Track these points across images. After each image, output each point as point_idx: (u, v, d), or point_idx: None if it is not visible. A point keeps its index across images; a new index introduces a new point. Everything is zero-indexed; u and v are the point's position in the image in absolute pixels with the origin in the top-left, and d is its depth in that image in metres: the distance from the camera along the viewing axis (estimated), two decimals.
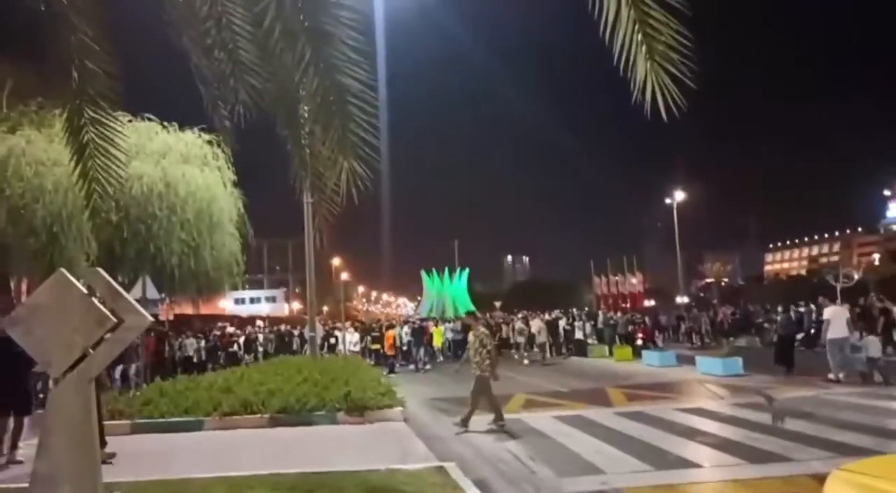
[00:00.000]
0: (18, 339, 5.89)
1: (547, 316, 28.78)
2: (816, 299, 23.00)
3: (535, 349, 26.13)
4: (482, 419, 10.54)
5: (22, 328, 5.58)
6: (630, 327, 24.86)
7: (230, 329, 26.37)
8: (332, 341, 25.70)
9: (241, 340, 25.15)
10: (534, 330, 23.58)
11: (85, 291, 5.68)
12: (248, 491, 5.93)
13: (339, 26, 3.95)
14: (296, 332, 27.83)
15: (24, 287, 20.30)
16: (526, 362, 21.85)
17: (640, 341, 23.06)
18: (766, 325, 25.06)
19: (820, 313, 18.85)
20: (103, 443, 8.11)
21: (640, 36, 3.11)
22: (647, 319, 27.30)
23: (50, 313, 5.50)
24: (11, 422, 8.15)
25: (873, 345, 13.08)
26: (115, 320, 5.58)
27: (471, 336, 10.42)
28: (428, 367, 21.72)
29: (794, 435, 8.17)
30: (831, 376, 13.27)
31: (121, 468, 6.84)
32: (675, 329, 28.66)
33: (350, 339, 25.23)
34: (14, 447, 7.99)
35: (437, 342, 24.58)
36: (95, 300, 5.66)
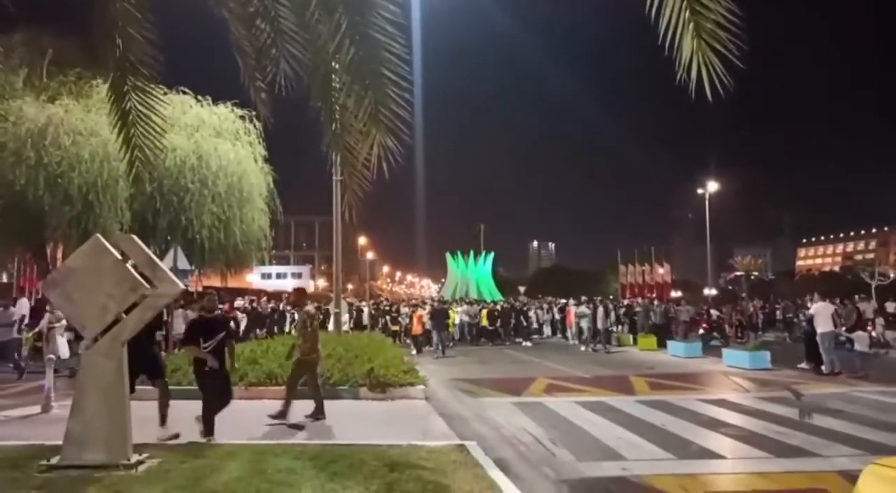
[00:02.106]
0: (56, 301, 6.07)
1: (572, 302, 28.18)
2: (851, 295, 22.78)
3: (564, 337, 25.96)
4: (500, 401, 10.58)
5: (59, 291, 5.73)
6: (668, 317, 24.22)
7: (240, 302, 24.97)
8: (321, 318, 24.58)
9: (241, 316, 21.72)
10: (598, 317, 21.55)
11: (119, 257, 5.80)
12: (273, 459, 6.03)
13: None
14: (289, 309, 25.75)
15: (59, 254, 20.86)
16: (583, 348, 21.03)
17: (702, 331, 22.53)
18: (795, 320, 24.58)
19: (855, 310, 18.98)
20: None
21: (687, 13, 3.01)
22: (710, 310, 26.49)
23: (85, 277, 5.64)
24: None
25: (861, 340, 14.43)
26: (148, 286, 5.70)
27: (297, 315, 10.15)
28: (450, 345, 21.24)
29: (821, 431, 8.03)
30: (826, 370, 13.88)
31: (149, 432, 7.01)
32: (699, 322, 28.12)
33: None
34: (163, 420, 7.20)
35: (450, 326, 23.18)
36: (129, 267, 5.78)
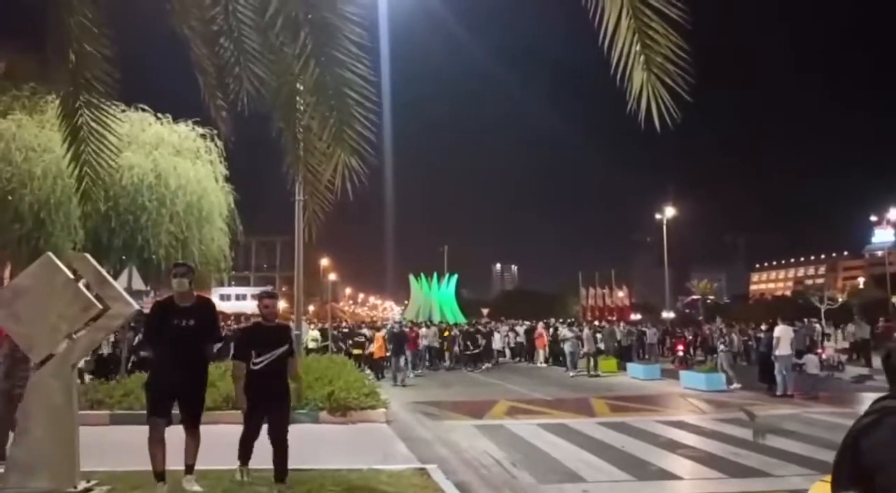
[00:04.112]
0: (2, 322, 5.84)
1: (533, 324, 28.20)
2: (802, 318, 23.67)
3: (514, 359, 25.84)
4: (462, 424, 10.55)
5: (6, 311, 5.52)
6: (632, 339, 24.54)
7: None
8: None
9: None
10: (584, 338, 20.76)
11: (71, 276, 5.64)
12: (229, 484, 5.88)
13: (343, 20, 3.96)
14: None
15: (6, 274, 20.09)
16: (571, 373, 19.91)
17: (680, 353, 23.03)
18: (749, 343, 25.24)
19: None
20: None
21: (638, 46, 3.13)
22: (686, 332, 27.02)
23: (35, 297, 5.46)
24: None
25: (812, 363, 14.83)
26: (100, 307, 5.55)
27: None
28: (411, 376, 19.75)
29: (774, 452, 8.21)
30: (779, 392, 14.18)
31: (99, 458, 6.75)
32: (661, 344, 28.64)
33: None
34: (188, 469, 5.79)
35: None
36: (81, 286, 5.62)
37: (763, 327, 21.49)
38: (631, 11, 3.06)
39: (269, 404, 5.72)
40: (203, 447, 5.80)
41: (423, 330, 24.69)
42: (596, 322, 30.97)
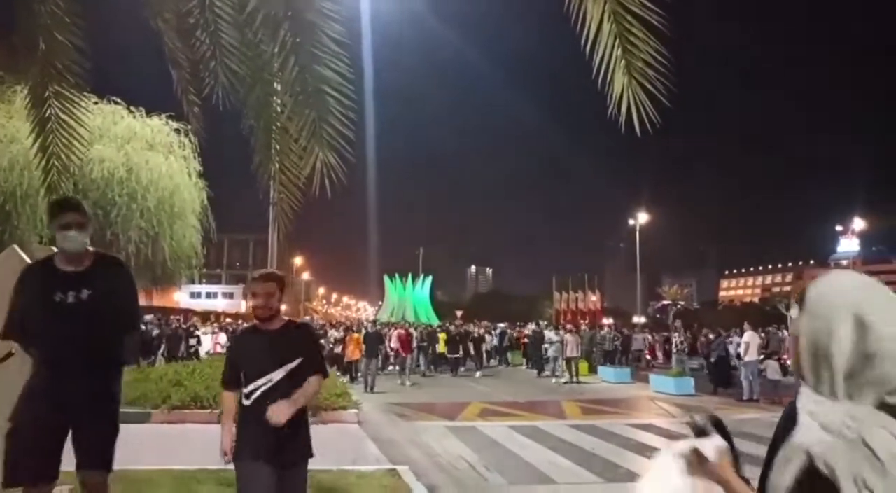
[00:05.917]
0: None
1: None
2: (769, 325, 24.32)
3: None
4: (434, 425, 10.53)
5: None
6: (616, 344, 24.61)
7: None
8: (193, 341, 21.03)
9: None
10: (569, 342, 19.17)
11: None
12: (195, 485, 5.78)
13: (323, 18, 3.93)
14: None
15: None
16: (555, 380, 18.92)
17: (648, 357, 23.32)
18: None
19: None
20: None
21: (619, 51, 3.16)
22: (656, 336, 27.47)
23: None
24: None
25: (772, 368, 15.11)
26: None
27: None
28: (407, 383, 17.73)
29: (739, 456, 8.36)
30: (745, 396, 14.50)
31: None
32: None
33: (206, 341, 21.51)
34: None
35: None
36: None
37: (711, 336, 22.14)
38: (612, 16, 3.09)
39: (276, 461, 3.32)
40: (170, 445, 5.32)
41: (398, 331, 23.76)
42: (571, 327, 31.07)
